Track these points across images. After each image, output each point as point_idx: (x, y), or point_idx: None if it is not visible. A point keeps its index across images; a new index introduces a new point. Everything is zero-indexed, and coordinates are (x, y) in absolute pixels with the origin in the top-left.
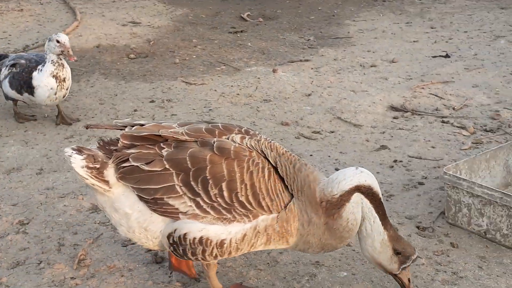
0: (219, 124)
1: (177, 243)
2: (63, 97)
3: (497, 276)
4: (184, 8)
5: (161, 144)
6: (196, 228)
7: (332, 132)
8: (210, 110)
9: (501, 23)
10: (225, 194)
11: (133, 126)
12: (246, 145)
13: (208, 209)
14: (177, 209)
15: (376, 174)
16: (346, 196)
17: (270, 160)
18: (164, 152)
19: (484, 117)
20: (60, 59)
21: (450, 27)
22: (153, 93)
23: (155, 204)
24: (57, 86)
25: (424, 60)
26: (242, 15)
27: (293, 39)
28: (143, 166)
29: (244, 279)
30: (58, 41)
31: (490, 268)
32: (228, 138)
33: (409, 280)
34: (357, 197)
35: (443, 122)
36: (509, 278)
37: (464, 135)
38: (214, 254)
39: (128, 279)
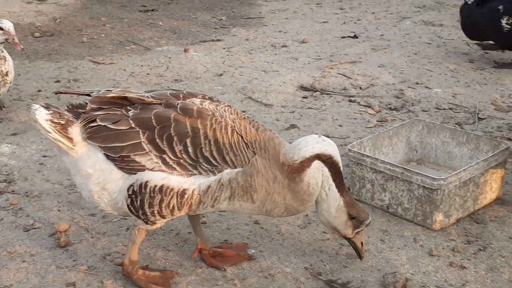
0: (184, 91)
1: (136, 193)
2: (7, 91)
3: (398, 248)
4: None
5: (128, 106)
6: (159, 176)
7: (243, 112)
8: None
9: (407, 5)
10: (190, 150)
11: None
12: (209, 108)
13: (175, 165)
14: (143, 166)
15: None
16: (306, 163)
17: (229, 120)
18: (130, 113)
19: (389, 96)
20: (2, 51)
21: (358, 8)
22: (59, 72)
23: (122, 161)
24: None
25: (333, 40)
26: None
27: (205, 19)
28: (109, 125)
29: (152, 260)
30: (1, 28)
31: (391, 241)
32: (190, 101)
33: (362, 244)
34: (318, 164)
35: (350, 101)
36: (409, 250)
37: (370, 113)
38: (171, 205)
39: (30, 264)
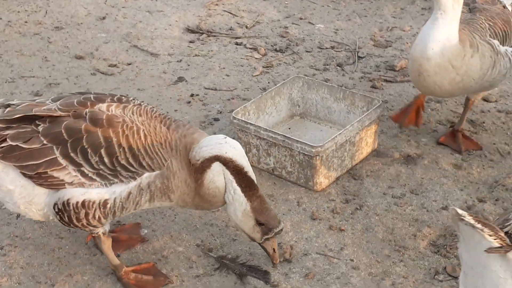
0: (91, 96)
1: (62, 211)
2: None
3: (283, 214)
4: None
5: (36, 121)
6: (79, 192)
7: (129, 64)
8: None
9: None
10: (106, 160)
11: (7, 107)
12: (119, 114)
13: (94, 177)
14: (62, 180)
15: (174, 112)
16: (206, 164)
17: (140, 124)
18: (40, 128)
19: (274, 35)
20: None
21: None
22: None
23: (40, 178)
24: None
25: None
26: None
27: None
28: (21, 144)
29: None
30: None
31: (277, 206)
32: (101, 109)
33: (274, 250)
34: (218, 166)
35: (236, 44)
36: (293, 215)
37: (256, 58)
38: (97, 216)
39: None
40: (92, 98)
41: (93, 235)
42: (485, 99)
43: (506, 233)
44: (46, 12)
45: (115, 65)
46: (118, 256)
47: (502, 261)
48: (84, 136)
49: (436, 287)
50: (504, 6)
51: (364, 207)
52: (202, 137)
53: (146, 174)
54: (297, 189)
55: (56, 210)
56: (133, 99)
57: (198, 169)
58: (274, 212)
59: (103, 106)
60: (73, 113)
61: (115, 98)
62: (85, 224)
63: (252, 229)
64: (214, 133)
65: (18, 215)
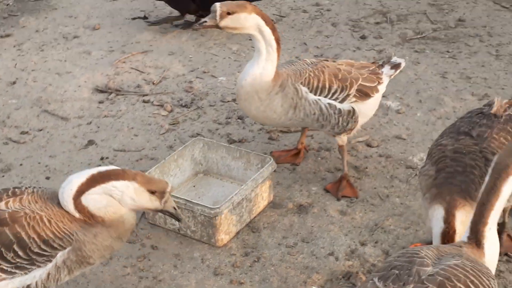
0: None
1: None
2: None
3: (189, 272)
4: None
5: None
6: (2, 285)
7: (41, 130)
8: None
9: None
10: (21, 253)
11: None
12: (17, 208)
13: (14, 270)
14: None
15: None
16: (79, 205)
17: (39, 212)
18: None
19: (180, 90)
20: None
21: None
22: None
23: None
24: None
25: (125, 23)
26: None
27: None
28: None
29: None
30: None
31: (183, 265)
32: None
33: (174, 208)
34: (93, 192)
35: (144, 101)
36: (198, 273)
37: (162, 115)
38: None
39: None
40: None
41: None
42: (368, 145)
43: None
44: None
45: (26, 132)
46: None
47: None
48: (3, 235)
49: None
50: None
51: (261, 259)
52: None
53: (60, 253)
54: (202, 246)
55: None
56: (26, 188)
57: (80, 211)
58: (156, 177)
59: (1, 205)
60: None
61: (9, 193)
62: None
63: (150, 201)
64: None
65: None
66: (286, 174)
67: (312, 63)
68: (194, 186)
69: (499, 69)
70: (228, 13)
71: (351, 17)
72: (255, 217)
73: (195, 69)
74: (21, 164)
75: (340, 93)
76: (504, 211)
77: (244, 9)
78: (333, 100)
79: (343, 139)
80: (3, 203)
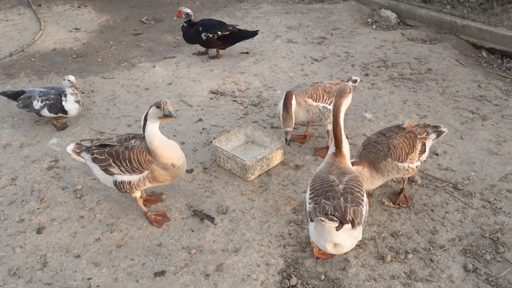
0: (131, 135)
1: (116, 184)
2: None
3: (229, 191)
4: (107, 14)
5: (106, 147)
6: (119, 177)
7: (177, 110)
8: (114, 98)
9: (281, 26)
10: (129, 165)
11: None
12: (137, 145)
13: (125, 171)
14: (113, 172)
15: (192, 137)
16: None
17: (142, 148)
18: (106, 149)
19: (254, 96)
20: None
21: (255, 28)
22: (84, 86)
23: (106, 171)
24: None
25: (236, 56)
26: (142, 19)
27: (168, 40)
28: (98, 156)
29: None
30: (69, 81)
31: (227, 187)
32: (131, 142)
33: (169, 111)
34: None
35: (233, 100)
36: (234, 192)
37: (241, 109)
38: (128, 188)
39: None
40: (130, 136)
41: (133, 196)
42: (346, 137)
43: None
44: (142, 79)
45: (176, 110)
46: (148, 207)
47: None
48: (121, 154)
49: None
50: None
51: (267, 190)
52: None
53: (145, 172)
54: (239, 179)
55: (114, 184)
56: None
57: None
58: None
59: (132, 141)
60: (119, 144)
61: (139, 137)
62: (127, 191)
63: (155, 117)
64: (208, 150)
65: (108, 187)
66: (295, 147)
67: (311, 85)
68: (245, 149)
69: (440, 101)
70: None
71: (364, 62)
72: (270, 168)
73: (266, 85)
74: (163, 127)
75: (328, 99)
76: (403, 179)
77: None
78: (324, 103)
79: (329, 126)
80: (133, 140)
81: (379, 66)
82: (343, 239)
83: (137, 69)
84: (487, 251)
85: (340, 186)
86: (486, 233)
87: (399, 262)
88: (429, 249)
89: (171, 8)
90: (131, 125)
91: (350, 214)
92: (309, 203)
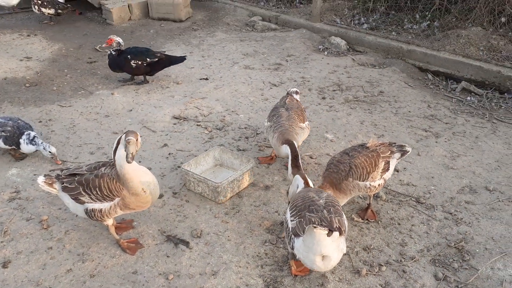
0: (100, 163)
1: (87, 213)
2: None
3: (201, 215)
4: (60, 43)
5: (76, 175)
6: (90, 205)
7: (141, 137)
8: (74, 126)
9: (237, 53)
10: (99, 193)
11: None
12: (106, 172)
13: (95, 199)
14: (83, 200)
15: (159, 162)
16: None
17: (112, 176)
18: (76, 178)
19: (217, 120)
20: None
21: (212, 55)
22: (40, 115)
23: (75, 200)
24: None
25: (195, 82)
26: (95, 47)
27: None
28: (68, 185)
29: None
30: (50, 152)
31: (199, 211)
32: (101, 170)
33: (129, 151)
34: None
35: (197, 125)
36: (206, 215)
37: (205, 133)
38: (99, 216)
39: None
40: (100, 164)
41: (105, 224)
42: (310, 157)
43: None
44: (101, 107)
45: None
46: (119, 235)
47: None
48: (91, 182)
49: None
50: (291, 94)
51: (240, 211)
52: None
53: (116, 199)
54: (211, 203)
55: (85, 212)
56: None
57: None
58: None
59: (102, 169)
60: (89, 172)
61: (109, 165)
62: (98, 219)
63: (121, 158)
64: (177, 174)
65: (76, 215)
66: (263, 169)
67: (286, 118)
68: (213, 172)
69: (395, 121)
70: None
71: (320, 86)
72: (241, 190)
73: (228, 109)
74: None
75: (304, 121)
76: (369, 196)
77: None
78: (302, 124)
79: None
80: (103, 168)
81: (334, 90)
82: (332, 250)
83: (95, 96)
84: (454, 260)
85: (321, 201)
86: (451, 242)
87: (374, 275)
88: (400, 260)
89: (125, 36)
90: (93, 153)
91: (336, 222)
92: (292, 220)
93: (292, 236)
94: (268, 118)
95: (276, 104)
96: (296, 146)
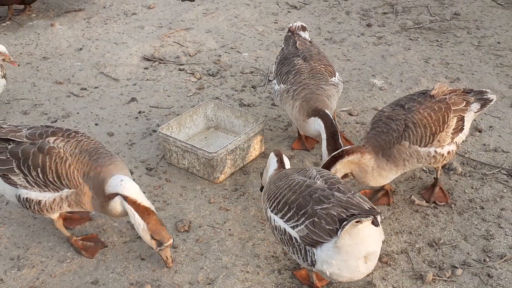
0: (49, 130)
1: (21, 201)
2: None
3: (190, 200)
4: None
5: (10, 142)
6: (24, 192)
7: (96, 87)
8: None
9: None
10: (40, 176)
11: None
12: (58, 146)
13: (34, 185)
14: (16, 182)
15: (125, 125)
16: (111, 196)
17: (68, 154)
18: (9, 147)
19: (210, 62)
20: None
21: None
22: None
23: (4, 177)
24: None
25: (175, 4)
26: None
27: None
28: None
29: None
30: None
31: (186, 194)
32: (49, 141)
33: (167, 257)
34: (119, 198)
35: (179, 70)
36: (197, 201)
37: (192, 81)
38: (37, 209)
39: None
40: (49, 132)
41: (48, 217)
42: (350, 113)
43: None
44: (36, 45)
45: (85, 89)
46: (71, 229)
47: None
48: (30, 158)
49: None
50: (297, 32)
51: (246, 194)
52: (115, 169)
53: (65, 190)
54: (203, 181)
55: (18, 200)
56: (81, 134)
57: (106, 197)
58: (166, 231)
59: (51, 139)
60: (31, 142)
61: (65, 134)
62: (36, 212)
63: (150, 241)
64: (151, 142)
65: (7, 202)
66: (278, 132)
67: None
68: (205, 137)
69: (476, 57)
70: None
71: (363, 7)
72: (248, 163)
73: (225, 45)
74: (77, 113)
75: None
76: (435, 168)
77: None
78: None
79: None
80: (53, 138)
81: (385, 13)
82: (377, 243)
83: (27, 29)
84: None
85: (318, 182)
86: None
87: (445, 281)
88: (484, 260)
89: None
90: (27, 112)
91: (363, 202)
92: (293, 225)
93: (307, 248)
94: (278, 76)
95: (282, 51)
96: (332, 117)
